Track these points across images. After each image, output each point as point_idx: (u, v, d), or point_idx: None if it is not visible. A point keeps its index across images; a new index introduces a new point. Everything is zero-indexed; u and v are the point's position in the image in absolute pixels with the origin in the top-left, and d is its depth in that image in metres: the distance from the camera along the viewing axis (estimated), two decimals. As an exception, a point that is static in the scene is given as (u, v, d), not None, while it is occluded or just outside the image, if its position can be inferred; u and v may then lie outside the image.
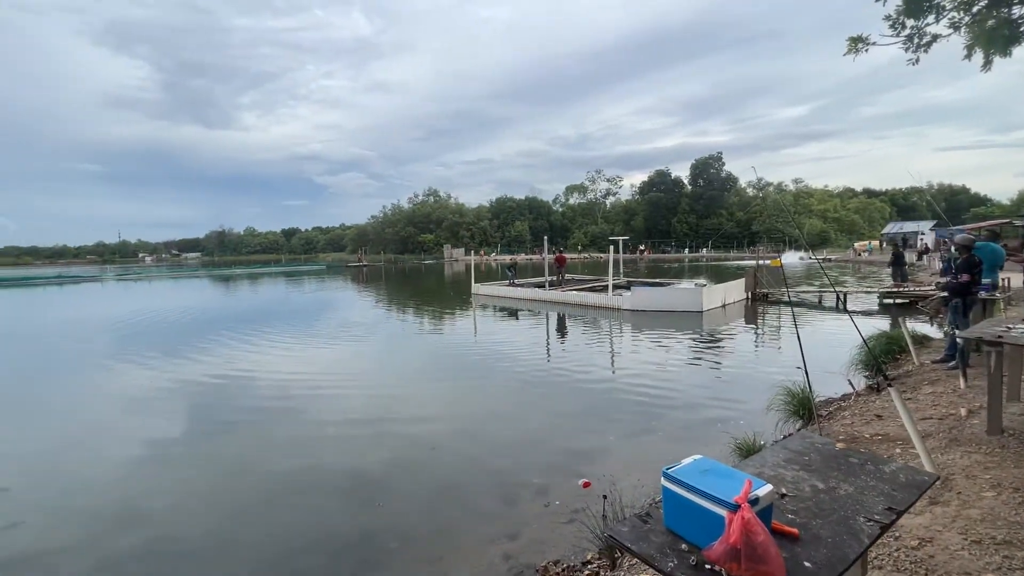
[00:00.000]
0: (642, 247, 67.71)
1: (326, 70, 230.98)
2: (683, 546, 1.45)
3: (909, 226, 52.82)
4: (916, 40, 6.33)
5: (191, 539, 3.98)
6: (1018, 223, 27.76)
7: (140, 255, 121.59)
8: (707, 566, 1.36)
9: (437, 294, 25.02)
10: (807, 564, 1.37)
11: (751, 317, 14.65)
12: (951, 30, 6.17)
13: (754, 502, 1.36)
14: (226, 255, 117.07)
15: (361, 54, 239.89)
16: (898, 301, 15.21)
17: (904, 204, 79.69)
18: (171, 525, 4.18)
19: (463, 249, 69.55)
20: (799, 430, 4.94)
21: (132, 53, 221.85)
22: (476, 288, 22.31)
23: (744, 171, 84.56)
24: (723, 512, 1.35)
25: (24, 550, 3.87)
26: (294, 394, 7.75)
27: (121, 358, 10.74)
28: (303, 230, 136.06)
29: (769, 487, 1.44)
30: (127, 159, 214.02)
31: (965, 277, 6.05)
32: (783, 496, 1.72)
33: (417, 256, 72.70)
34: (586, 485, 4.41)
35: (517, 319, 15.47)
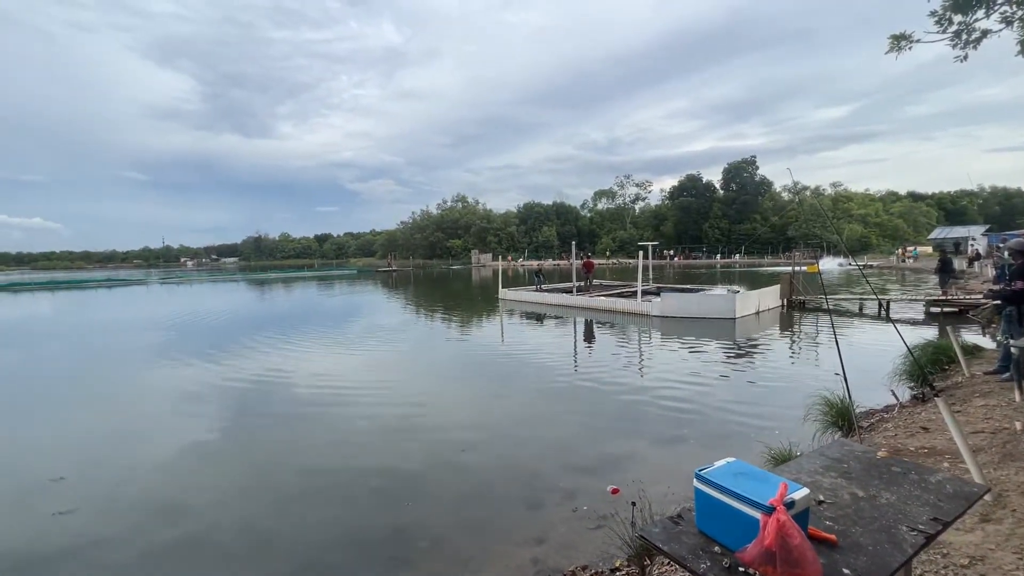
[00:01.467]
0: (670, 252, 66.51)
1: (358, 79, 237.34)
2: (716, 548, 1.45)
3: (958, 231, 50.18)
4: (964, 36, 6.07)
5: (229, 532, 4.14)
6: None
7: (182, 259, 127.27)
8: (740, 569, 1.35)
9: (465, 299, 25.22)
10: (846, 571, 1.34)
11: (787, 325, 14.20)
12: (1003, 25, 5.90)
13: (790, 505, 1.34)
14: (262, 259, 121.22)
15: (391, 63, 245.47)
16: (946, 310, 14.48)
17: (952, 208, 75.87)
18: (210, 518, 4.35)
19: (491, 254, 69.90)
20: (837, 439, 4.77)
21: (176, 67, 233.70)
22: (503, 293, 22.38)
23: (779, 175, 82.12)
24: (757, 514, 1.34)
25: (77, 537, 4.11)
26: (327, 395, 7.96)
27: (165, 357, 11.25)
28: (335, 235, 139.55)
29: (805, 491, 1.42)
30: (170, 168, 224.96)
31: (1020, 284, 5.73)
32: (820, 503, 1.69)
33: (445, 261, 73.54)
34: (615, 491, 4.37)
35: (544, 325, 15.44)
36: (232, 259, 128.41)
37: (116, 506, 4.60)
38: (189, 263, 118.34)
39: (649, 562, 3.27)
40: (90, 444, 6.23)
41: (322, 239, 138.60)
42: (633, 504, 3.72)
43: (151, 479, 5.13)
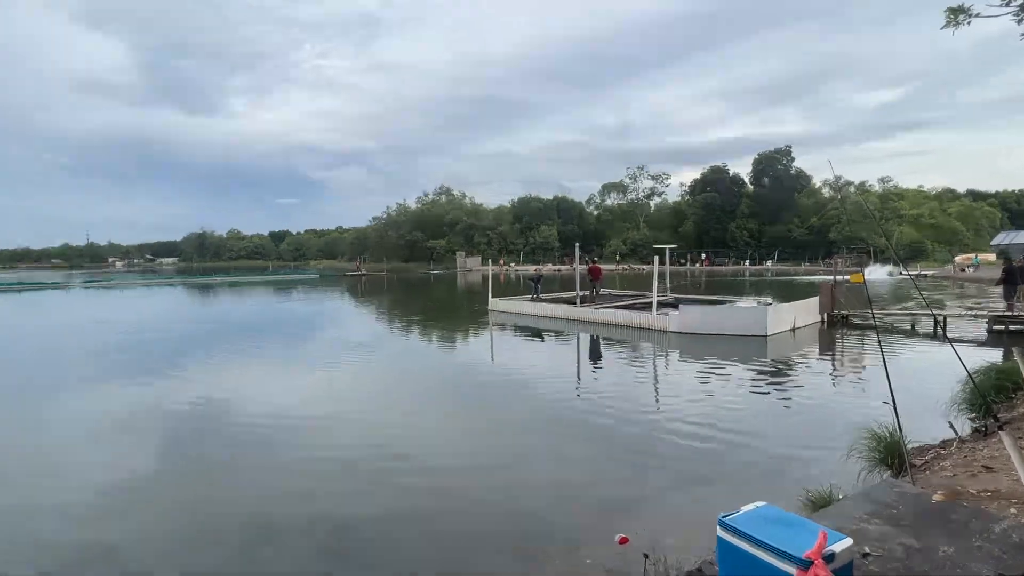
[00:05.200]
0: (682, 260, 66.72)
1: (323, 49, 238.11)
2: (743, 610, 1.44)
3: (1025, 236, 51.06)
4: (1032, 10, 6.20)
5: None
6: None
7: (109, 259, 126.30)
8: (772, 634, 1.34)
9: (448, 310, 25.21)
10: (896, 637, 1.34)
11: (827, 344, 14.32)
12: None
13: (829, 558, 1.34)
14: (206, 260, 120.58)
15: (365, 30, 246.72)
16: (1012, 328, 14.68)
17: (1018, 209, 77.19)
18: (139, 564, 4.28)
19: (479, 257, 70.01)
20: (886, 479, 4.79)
21: (107, 30, 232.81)
22: (493, 303, 22.40)
23: (819, 168, 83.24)
24: (792, 569, 1.34)
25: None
26: (283, 426, 7.89)
27: (88, 380, 11.11)
28: (294, 233, 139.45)
29: (848, 541, 1.43)
30: (98, 150, 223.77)
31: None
32: (866, 555, 1.69)
33: (425, 265, 73.54)
34: (623, 541, 4.33)
35: (542, 341, 15.45)
36: (171, 259, 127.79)
37: (31, 547, 4.50)
38: (118, 263, 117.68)
39: (664, 626, 3.25)
40: (2, 478, 6.11)
41: (279, 237, 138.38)
42: (645, 556, 3.70)
43: (72, 519, 5.03)
